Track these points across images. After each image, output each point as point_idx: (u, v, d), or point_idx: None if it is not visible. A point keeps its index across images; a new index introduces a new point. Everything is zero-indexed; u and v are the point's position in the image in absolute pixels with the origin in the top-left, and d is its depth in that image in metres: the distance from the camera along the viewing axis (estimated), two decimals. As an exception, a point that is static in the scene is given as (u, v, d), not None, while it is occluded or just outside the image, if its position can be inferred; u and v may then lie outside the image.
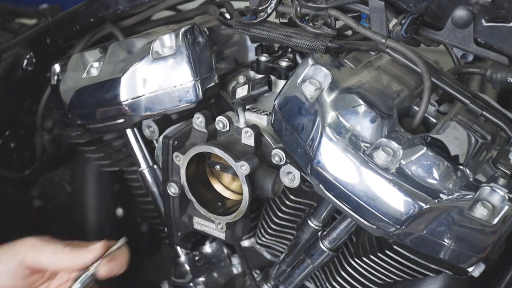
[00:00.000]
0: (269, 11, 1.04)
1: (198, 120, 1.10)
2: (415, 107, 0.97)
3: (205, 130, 1.10)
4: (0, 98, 1.37)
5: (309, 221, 1.08)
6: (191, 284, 1.32)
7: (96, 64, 1.20)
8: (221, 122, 1.08)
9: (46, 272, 0.97)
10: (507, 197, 0.82)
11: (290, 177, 1.03)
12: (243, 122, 1.07)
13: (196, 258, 1.34)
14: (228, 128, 1.08)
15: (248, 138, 1.05)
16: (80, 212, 1.47)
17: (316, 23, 1.02)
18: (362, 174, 0.86)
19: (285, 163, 1.03)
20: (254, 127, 1.05)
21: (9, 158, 1.54)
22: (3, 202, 1.65)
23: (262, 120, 1.10)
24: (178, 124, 1.15)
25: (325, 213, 1.07)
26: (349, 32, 1.10)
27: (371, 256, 1.05)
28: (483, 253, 0.87)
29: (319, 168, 0.89)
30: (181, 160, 1.09)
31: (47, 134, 1.56)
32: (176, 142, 1.10)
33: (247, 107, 1.12)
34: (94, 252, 0.95)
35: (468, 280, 1.00)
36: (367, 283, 1.09)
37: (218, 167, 1.09)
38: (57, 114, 1.37)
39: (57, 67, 1.30)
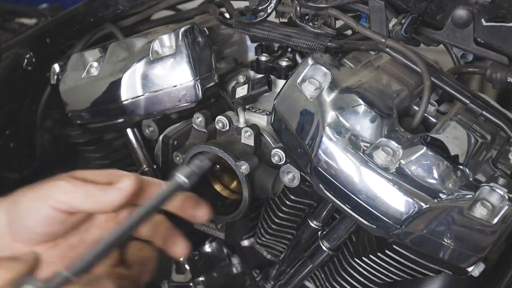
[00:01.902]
0: (269, 10, 1.04)
1: (198, 120, 1.10)
2: (415, 107, 0.97)
3: (204, 130, 1.10)
4: (0, 97, 1.37)
5: (309, 221, 1.08)
6: (191, 284, 1.32)
7: (95, 64, 1.20)
8: (220, 122, 1.08)
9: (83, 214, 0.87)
10: (506, 197, 0.82)
11: (290, 176, 1.03)
12: (243, 121, 1.07)
13: (196, 257, 1.34)
14: (227, 127, 1.08)
15: (248, 138, 1.05)
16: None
17: (316, 22, 1.02)
18: (362, 173, 0.86)
19: (285, 163, 1.03)
20: (254, 126, 1.05)
21: (9, 158, 1.54)
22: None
23: (262, 120, 1.10)
24: (177, 124, 1.15)
25: (325, 212, 1.07)
26: (349, 32, 1.10)
27: (371, 256, 1.05)
28: (483, 253, 0.86)
29: (319, 168, 0.89)
30: (181, 160, 1.09)
31: (47, 134, 1.55)
32: (175, 142, 1.10)
33: (247, 106, 1.12)
34: (126, 190, 0.81)
35: (468, 280, 1.00)
36: (367, 283, 1.09)
37: (217, 166, 1.09)
38: (57, 114, 1.37)
39: (56, 67, 1.30)
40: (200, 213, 0.86)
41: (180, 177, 0.77)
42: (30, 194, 0.86)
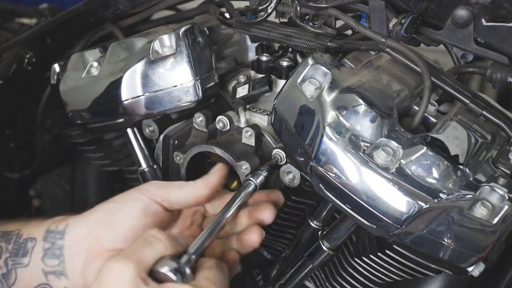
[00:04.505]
0: (269, 10, 1.05)
1: (199, 120, 1.10)
2: (415, 107, 0.97)
3: (205, 130, 1.10)
4: (0, 97, 1.37)
5: (309, 221, 1.08)
6: (191, 284, 1.32)
7: (96, 64, 1.20)
8: (221, 122, 1.08)
9: (171, 212, 0.95)
10: (507, 197, 0.82)
11: (290, 176, 1.03)
12: (244, 121, 1.07)
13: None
14: (228, 127, 1.08)
15: (248, 138, 1.05)
16: (80, 212, 1.46)
17: (316, 22, 1.02)
18: (362, 173, 0.86)
19: (285, 163, 1.03)
20: (255, 126, 1.05)
21: (9, 158, 1.54)
22: (3, 201, 1.65)
23: (262, 120, 1.10)
24: (178, 124, 1.15)
25: (325, 212, 1.07)
26: (349, 32, 1.10)
27: (371, 256, 1.05)
28: (483, 253, 0.87)
29: (319, 168, 0.89)
30: (182, 160, 1.09)
31: (47, 133, 1.56)
32: (176, 142, 1.10)
33: (248, 106, 1.12)
34: (218, 179, 0.94)
35: (468, 280, 1.00)
36: (367, 282, 1.09)
37: (218, 166, 1.09)
38: (57, 114, 1.37)
39: (57, 67, 1.30)
40: (266, 215, 0.96)
41: (252, 180, 0.96)
42: (121, 196, 0.93)
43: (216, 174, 0.95)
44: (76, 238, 0.90)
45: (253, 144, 1.05)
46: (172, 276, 0.76)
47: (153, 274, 0.77)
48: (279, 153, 1.03)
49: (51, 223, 0.93)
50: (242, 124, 1.07)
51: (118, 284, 0.74)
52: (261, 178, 0.97)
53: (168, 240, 0.80)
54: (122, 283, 0.74)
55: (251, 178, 0.96)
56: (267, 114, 1.10)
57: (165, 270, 0.77)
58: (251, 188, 0.96)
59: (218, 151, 1.03)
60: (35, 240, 0.92)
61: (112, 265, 0.76)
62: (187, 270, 0.78)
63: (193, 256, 0.81)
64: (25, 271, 0.91)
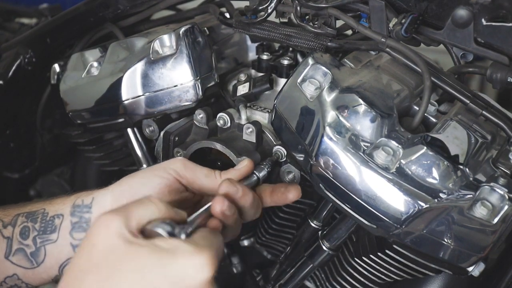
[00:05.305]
0: (269, 10, 1.05)
1: (199, 117, 1.10)
2: (415, 107, 0.97)
3: (206, 127, 1.10)
4: (0, 97, 1.37)
5: (309, 221, 1.09)
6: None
7: (96, 64, 1.21)
8: (222, 119, 1.08)
9: (193, 193, 0.96)
10: (507, 197, 0.82)
11: (290, 176, 1.03)
12: (245, 118, 1.07)
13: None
14: (229, 124, 1.08)
15: (249, 135, 1.05)
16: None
17: (316, 22, 1.02)
18: (362, 173, 0.86)
19: (285, 162, 1.03)
20: (256, 123, 1.05)
21: (9, 158, 1.54)
22: (3, 201, 1.65)
23: (263, 118, 1.10)
24: (179, 121, 1.15)
25: (325, 212, 1.07)
26: (349, 32, 1.10)
27: (371, 256, 1.05)
28: (483, 253, 0.86)
29: (319, 168, 0.89)
30: (182, 156, 1.09)
31: (47, 133, 1.56)
32: (177, 138, 1.10)
33: (248, 104, 1.12)
34: (244, 175, 0.95)
35: (468, 280, 1.00)
36: (367, 282, 1.09)
37: (219, 164, 1.09)
38: (57, 114, 1.37)
39: (57, 67, 1.30)
40: (291, 194, 0.97)
41: (255, 173, 0.96)
42: (145, 170, 0.95)
43: (243, 169, 0.95)
44: (102, 210, 0.90)
45: (254, 141, 1.05)
46: (164, 234, 0.76)
47: (145, 233, 0.77)
48: (280, 150, 1.03)
49: (76, 198, 0.94)
50: (243, 121, 1.07)
51: (105, 234, 0.75)
52: (263, 172, 0.97)
53: (164, 207, 0.80)
54: (109, 233, 0.75)
55: (254, 171, 0.96)
56: (267, 111, 1.10)
57: (157, 229, 0.76)
58: (254, 179, 0.96)
59: (219, 147, 1.03)
60: (62, 217, 0.93)
61: (101, 218, 0.76)
62: (182, 236, 0.76)
63: (190, 228, 0.79)
64: (54, 247, 0.92)
